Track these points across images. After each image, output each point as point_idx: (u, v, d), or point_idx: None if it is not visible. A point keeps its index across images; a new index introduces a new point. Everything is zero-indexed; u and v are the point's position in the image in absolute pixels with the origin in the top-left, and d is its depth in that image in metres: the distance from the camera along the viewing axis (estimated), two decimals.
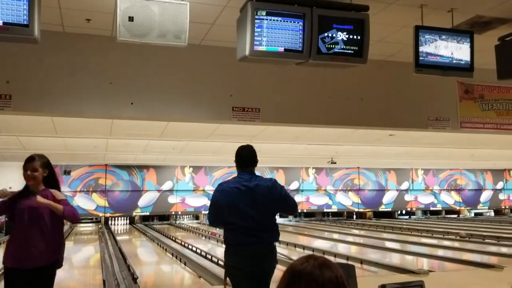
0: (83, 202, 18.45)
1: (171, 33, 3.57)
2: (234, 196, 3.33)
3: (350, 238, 13.54)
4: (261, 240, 3.32)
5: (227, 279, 3.47)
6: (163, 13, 3.52)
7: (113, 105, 4.99)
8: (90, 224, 18.67)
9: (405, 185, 22.55)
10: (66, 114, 5.29)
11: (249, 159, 3.48)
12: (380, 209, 22.33)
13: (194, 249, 10.11)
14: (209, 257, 9.07)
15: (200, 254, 9.57)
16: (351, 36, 3.73)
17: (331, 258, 8.18)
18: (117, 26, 3.43)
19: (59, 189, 3.60)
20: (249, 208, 3.31)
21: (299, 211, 21.40)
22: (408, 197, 22.63)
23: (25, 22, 3.11)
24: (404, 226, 16.75)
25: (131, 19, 3.46)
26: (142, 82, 5.06)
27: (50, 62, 4.75)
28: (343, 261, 8.01)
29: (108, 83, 4.93)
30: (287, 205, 3.49)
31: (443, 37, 4.20)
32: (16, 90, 4.61)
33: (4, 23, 3.07)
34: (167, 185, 19.04)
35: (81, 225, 18.65)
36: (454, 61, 4.24)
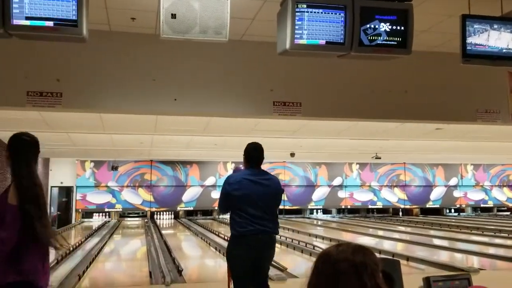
0: (130, 197, 19.01)
1: (212, 29, 3.61)
2: (249, 187, 3.72)
3: (396, 235, 13.26)
4: (266, 229, 3.70)
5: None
6: (204, 10, 3.56)
7: (157, 102, 5.10)
8: (137, 218, 19.20)
9: (453, 181, 21.86)
10: (113, 111, 5.47)
11: (259, 158, 3.92)
12: (427, 206, 21.75)
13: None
14: None
15: None
16: (394, 27, 3.64)
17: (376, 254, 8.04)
18: (161, 24, 3.50)
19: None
20: (259, 199, 3.70)
21: (342, 207, 21.18)
22: (457, 194, 21.93)
23: (74, 22, 3.22)
24: (453, 223, 16.25)
25: (173, 16, 3.53)
26: (185, 79, 5.15)
27: (97, 61, 4.92)
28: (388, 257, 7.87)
29: (152, 80, 5.05)
30: (279, 203, 3.95)
31: (495, 26, 4.02)
32: (66, 88, 4.81)
33: (54, 23, 3.19)
34: (210, 181, 19.31)
35: (128, 219, 19.22)
36: (504, 50, 4.06)
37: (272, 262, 7.66)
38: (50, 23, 3.18)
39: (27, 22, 3.14)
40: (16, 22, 3.12)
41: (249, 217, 3.68)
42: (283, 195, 3.98)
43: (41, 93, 4.74)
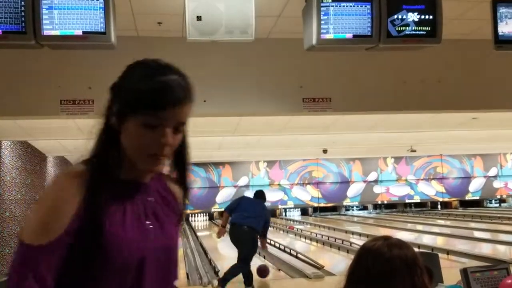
0: None
1: (238, 29, 3.61)
2: (248, 202, 6.34)
3: (435, 229, 12.97)
4: (246, 223, 5.91)
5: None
6: (229, 10, 3.57)
7: None
8: None
9: (493, 171, 21.20)
10: None
11: (260, 197, 6.57)
12: (467, 198, 21.18)
13: (272, 243, 10.20)
14: (288, 250, 9.12)
15: (279, 248, 9.64)
16: (422, 16, 3.55)
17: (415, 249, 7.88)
18: (187, 26, 3.53)
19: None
20: (250, 208, 6.06)
21: (379, 202, 20.87)
22: (497, 184, 21.26)
23: (102, 30, 3.29)
24: (494, 215, 15.76)
25: (199, 18, 3.55)
26: (213, 80, 5.17)
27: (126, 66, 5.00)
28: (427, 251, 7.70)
29: None
30: (266, 226, 6.21)
31: None
32: (98, 95, 4.90)
33: (83, 32, 3.26)
34: (243, 181, 19.38)
35: None
36: None
37: (309, 260, 7.65)
38: (79, 32, 3.26)
39: (57, 32, 3.22)
40: (46, 32, 3.21)
41: (240, 214, 6.05)
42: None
43: (74, 101, 4.86)
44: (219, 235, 6.39)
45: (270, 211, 6.56)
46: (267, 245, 6.78)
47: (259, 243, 6.15)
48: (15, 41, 3.24)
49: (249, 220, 5.86)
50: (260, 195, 6.49)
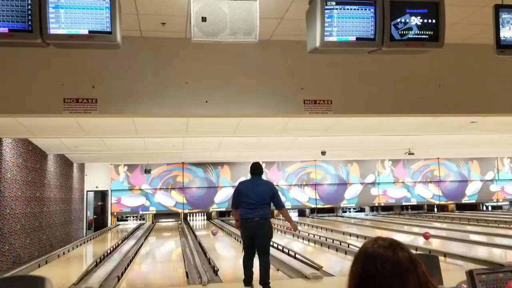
0: (163, 199, 19.30)
1: (242, 30, 3.64)
2: (248, 188, 5.70)
3: (431, 232, 13.03)
4: (256, 214, 5.53)
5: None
6: (233, 11, 3.60)
7: (189, 104, 5.18)
8: (170, 220, 19.49)
9: (490, 175, 21.29)
10: (147, 115, 5.57)
11: (256, 171, 5.88)
12: (463, 201, 21.26)
13: (271, 243, 10.23)
14: (286, 251, 9.15)
15: (277, 248, 9.67)
16: (425, 20, 3.59)
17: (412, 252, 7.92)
18: (191, 27, 3.55)
19: None
20: (253, 195, 5.58)
21: (376, 204, 20.93)
22: (494, 188, 21.34)
23: (108, 30, 3.31)
24: (490, 218, 15.83)
25: (204, 19, 3.57)
26: (216, 80, 5.20)
27: (130, 66, 5.03)
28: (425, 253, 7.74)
29: (184, 83, 5.13)
30: (276, 200, 5.74)
31: None
32: (101, 94, 4.94)
33: (89, 31, 3.28)
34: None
35: (162, 220, 19.52)
36: None
37: (307, 261, 7.67)
38: (85, 31, 3.28)
39: (64, 31, 3.25)
40: (53, 31, 3.23)
41: (246, 206, 5.58)
42: (274, 192, 5.76)
43: (77, 100, 4.88)
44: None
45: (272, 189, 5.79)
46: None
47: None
48: (21, 39, 3.26)
49: (258, 211, 5.50)
50: (256, 171, 5.86)
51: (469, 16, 4.82)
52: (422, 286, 1.32)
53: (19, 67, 4.86)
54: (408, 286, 1.31)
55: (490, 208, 21.58)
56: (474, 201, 21.33)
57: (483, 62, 5.59)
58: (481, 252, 9.06)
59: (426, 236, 10.93)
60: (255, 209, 5.52)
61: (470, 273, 1.81)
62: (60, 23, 3.27)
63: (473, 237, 11.56)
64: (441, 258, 7.52)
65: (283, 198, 20.38)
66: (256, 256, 5.63)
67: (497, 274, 1.80)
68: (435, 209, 21.28)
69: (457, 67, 5.65)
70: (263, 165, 18.99)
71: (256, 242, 5.56)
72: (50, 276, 3.24)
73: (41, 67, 4.88)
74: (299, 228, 14.76)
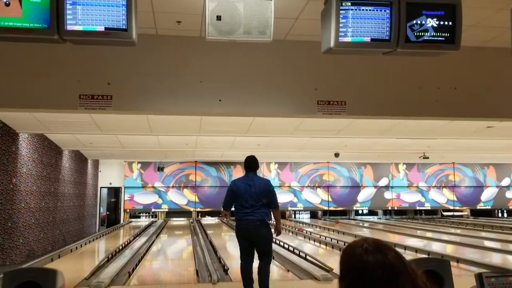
0: (175, 197, 19.39)
1: (256, 29, 3.65)
2: (241, 188, 5.07)
3: (445, 237, 12.88)
4: (253, 216, 5.01)
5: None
6: (248, 10, 3.61)
7: (203, 103, 5.20)
8: (182, 218, 19.57)
9: (506, 181, 20.98)
10: (161, 112, 5.61)
11: (251, 166, 5.29)
12: (478, 207, 20.98)
13: (282, 244, 10.22)
14: (297, 252, 9.13)
15: (288, 249, 9.65)
16: (442, 22, 3.55)
17: (425, 257, 7.85)
18: (206, 26, 3.57)
19: None
20: (248, 196, 5.03)
21: (389, 208, 20.77)
22: (510, 194, 21.02)
23: (124, 27, 3.34)
24: (506, 225, 15.59)
25: (219, 18, 3.59)
26: (229, 79, 5.22)
27: (145, 64, 5.07)
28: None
29: (198, 82, 5.15)
30: (272, 199, 5.11)
31: None
32: (116, 91, 4.98)
33: (105, 28, 3.32)
34: None
35: (174, 219, 19.62)
36: None
37: (318, 263, 7.64)
38: (101, 28, 3.32)
39: (80, 28, 3.28)
40: (69, 28, 3.27)
41: (241, 209, 5.06)
42: (270, 190, 5.15)
43: (93, 96, 4.94)
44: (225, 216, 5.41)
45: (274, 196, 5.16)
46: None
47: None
48: (38, 35, 3.30)
49: (254, 213, 5.00)
50: (252, 166, 5.30)
51: (486, 19, 4.76)
52: (414, 285, 1.28)
53: (36, 63, 4.93)
54: (403, 285, 1.26)
55: (505, 215, 21.26)
56: (489, 207, 21.03)
57: (500, 66, 5.52)
58: (495, 259, 8.94)
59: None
60: (251, 211, 4.99)
61: (479, 276, 1.79)
62: (77, 20, 3.31)
63: (488, 243, 11.41)
64: (454, 263, 7.44)
65: (295, 199, 20.56)
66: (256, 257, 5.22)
67: (506, 278, 1.78)
68: (450, 215, 21.03)
69: (473, 70, 5.58)
70: (276, 166, 19.21)
71: (256, 248, 5.11)
72: (62, 270, 3.27)
73: (57, 64, 4.95)
74: (310, 230, 14.74)
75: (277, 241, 10.96)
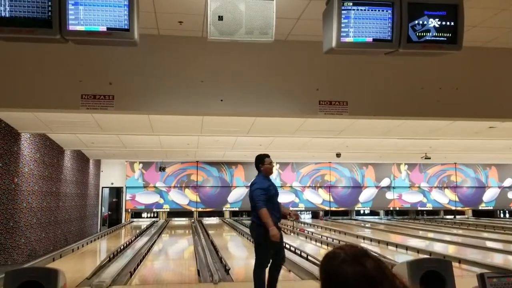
0: (177, 197, 19.40)
1: (258, 29, 3.65)
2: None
3: (447, 237, 12.86)
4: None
5: None
6: (250, 11, 3.61)
7: (204, 103, 5.20)
8: (184, 218, 19.57)
9: (508, 182, 20.94)
10: (162, 112, 5.61)
11: (256, 165, 5.36)
12: (480, 208, 20.95)
13: (283, 244, 10.21)
14: (299, 252, 9.13)
15: (290, 250, 9.64)
16: (443, 23, 3.55)
17: (427, 257, 7.84)
18: (208, 26, 3.57)
19: None
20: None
21: (391, 209, 20.76)
22: None
23: (126, 27, 3.34)
24: (508, 226, 15.57)
25: (220, 18, 3.59)
26: (231, 79, 5.22)
27: (147, 64, 5.08)
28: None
29: (200, 82, 5.15)
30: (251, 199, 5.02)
31: None
32: (118, 91, 4.99)
33: (107, 28, 3.32)
34: None
35: (175, 219, 19.63)
36: None
37: (319, 263, 7.65)
38: (103, 28, 3.32)
39: (82, 28, 3.29)
40: (71, 27, 3.27)
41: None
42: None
43: (95, 96, 4.94)
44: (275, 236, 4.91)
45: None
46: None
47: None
48: (40, 35, 3.31)
49: (252, 214, 4.97)
50: (257, 164, 5.24)
51: (488, 20, 4.76)
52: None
53: (38, 63, 4.94)
54: None
55: (507, 215, 21.23)
56: (491, 207, 21.00)
57: (502, 66, 5.51)
58: (497, 259, 8.92)
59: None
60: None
61: (481, 277, 1.79)
62: (79, 20, 3.31)
63: (489, 244, 11.39)
64: (456, 264, 7.43)
65: (296, 200, 20.50)
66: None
67: (508, 278, 1.77)
68: (451, 215, 21.00)
69: (475, 71, 5.57)
70: (277, 166, 19.17)
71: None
72: (64, 270, 3.28)
73: (59, 64, 4.95)
74: (312, 230, 14.72)
75: None
